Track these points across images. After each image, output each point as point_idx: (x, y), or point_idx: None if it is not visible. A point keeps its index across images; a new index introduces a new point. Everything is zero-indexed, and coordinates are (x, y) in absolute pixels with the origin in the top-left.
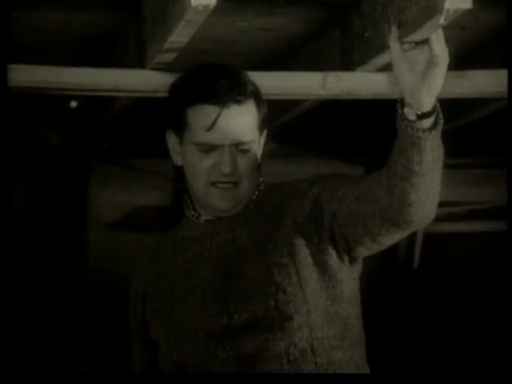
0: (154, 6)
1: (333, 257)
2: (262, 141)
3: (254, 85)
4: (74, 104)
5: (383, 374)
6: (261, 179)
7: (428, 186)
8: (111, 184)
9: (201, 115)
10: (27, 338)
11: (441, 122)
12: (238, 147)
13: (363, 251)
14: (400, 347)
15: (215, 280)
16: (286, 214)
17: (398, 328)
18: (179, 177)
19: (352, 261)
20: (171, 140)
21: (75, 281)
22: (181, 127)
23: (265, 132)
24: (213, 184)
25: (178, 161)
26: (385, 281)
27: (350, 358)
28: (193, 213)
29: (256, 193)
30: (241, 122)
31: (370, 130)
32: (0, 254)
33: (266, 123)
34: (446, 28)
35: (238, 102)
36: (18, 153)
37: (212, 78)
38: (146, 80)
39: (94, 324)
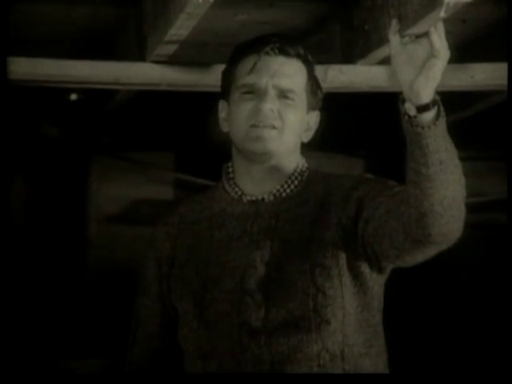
0: None
1: (365, 264)
2: (313, 120)
3: (306, 52)
4: (74, 97)
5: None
6: (306, 165)
7: (440, 194)
8: (111, 177)
9: (245, 64)
10: (27, 330)
11: (442, 119)
12: (280, 95)
13: (389, 264)
14: (399, 346)
15: (256, 268)
16: (331, 213)
17: (397, 325)
18: (179, 169)
19: (381, 271)
20: (221, 108)
21: (74, 274)
22: (230, 83)
23: (318, 113)
24: (252, 126)
25: (224, 127)
26: None
27: (376, 366)
28: (236, 189)
29: (299, 178)
30: (283, 71)
31: (372, 123)
32: None
33: (319, 102)
34: (446, 21)
35: (283, 53)
36: (18, 146)
37: (260, 36)
38: (146, 73)
39: (93, 316)
